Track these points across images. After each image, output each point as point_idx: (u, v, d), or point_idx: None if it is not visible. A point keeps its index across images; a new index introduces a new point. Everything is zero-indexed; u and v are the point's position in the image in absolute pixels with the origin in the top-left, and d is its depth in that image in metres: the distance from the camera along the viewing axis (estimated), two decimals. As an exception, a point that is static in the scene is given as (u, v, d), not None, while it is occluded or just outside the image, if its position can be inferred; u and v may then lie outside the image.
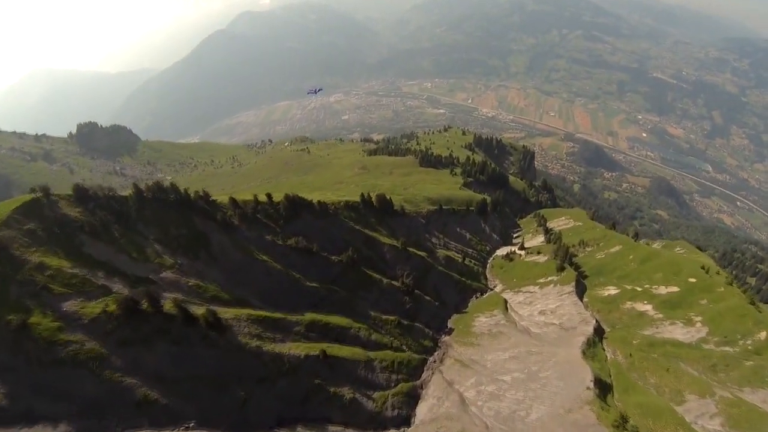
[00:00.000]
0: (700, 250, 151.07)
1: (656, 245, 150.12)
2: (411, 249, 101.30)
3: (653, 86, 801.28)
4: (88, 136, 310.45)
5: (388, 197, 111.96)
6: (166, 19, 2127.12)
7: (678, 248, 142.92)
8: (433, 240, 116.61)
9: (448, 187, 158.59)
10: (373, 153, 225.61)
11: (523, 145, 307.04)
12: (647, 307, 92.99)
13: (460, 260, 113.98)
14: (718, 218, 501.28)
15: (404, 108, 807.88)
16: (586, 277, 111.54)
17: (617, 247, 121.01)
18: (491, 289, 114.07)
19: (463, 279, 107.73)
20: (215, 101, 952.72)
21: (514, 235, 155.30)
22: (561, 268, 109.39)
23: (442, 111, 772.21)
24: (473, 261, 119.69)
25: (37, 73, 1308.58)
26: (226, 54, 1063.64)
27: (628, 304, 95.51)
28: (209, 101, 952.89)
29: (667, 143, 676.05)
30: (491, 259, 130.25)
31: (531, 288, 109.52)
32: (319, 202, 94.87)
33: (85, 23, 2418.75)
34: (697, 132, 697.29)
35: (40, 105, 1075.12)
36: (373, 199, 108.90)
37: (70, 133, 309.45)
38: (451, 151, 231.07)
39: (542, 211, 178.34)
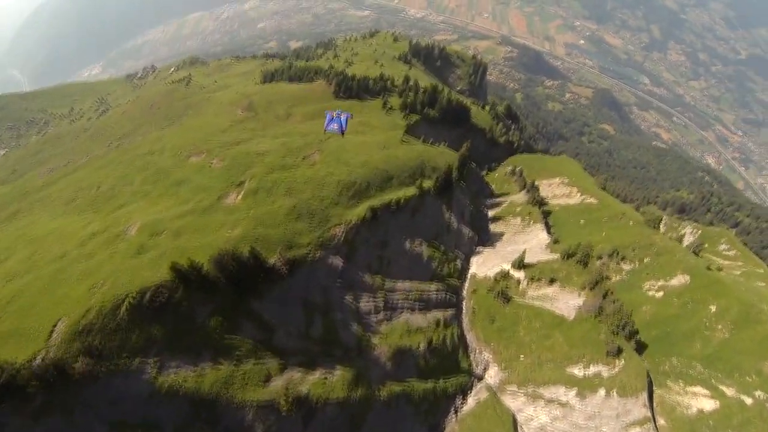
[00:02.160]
0: (745, 245, 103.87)
1: (688, 230, 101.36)
2: (312, 397, 40.24)
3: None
4: None
5: (246, 255, 46.81)
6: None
7: (723, 245, 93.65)
8: (362, 304, 55.20)
9: (381, 139, 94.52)
10: (270, 78, 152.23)
11: (473, 56, 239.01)
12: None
13: (422, 345, 54.63)
14: (656, 132, 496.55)
15: (325, 11, 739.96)
16: (641, 345, 58.87)
17: (681, 278, 66.17)
18: (479, 377, 57.81)
19: (431, 386, 50.96)
20: (118, 21, 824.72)
21: (490, 213, 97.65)
22: (616, 352, 54.61)
23: (366, 13, 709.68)
24: (443, 318, 61.14)
25: None
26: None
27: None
28: (111, 22, 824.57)
29: (605, 52, 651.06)
30: (467, 289, 71.59)
31: (559, 390, 55.32)
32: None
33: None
34: (635, 43, 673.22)
35: None
36: (208, 267, 44.82)
37: None
38: (382, 65, 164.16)
39: (520, 163, 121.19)
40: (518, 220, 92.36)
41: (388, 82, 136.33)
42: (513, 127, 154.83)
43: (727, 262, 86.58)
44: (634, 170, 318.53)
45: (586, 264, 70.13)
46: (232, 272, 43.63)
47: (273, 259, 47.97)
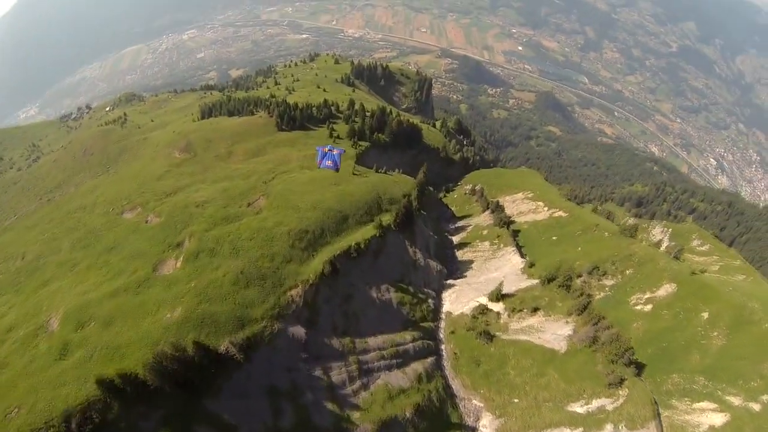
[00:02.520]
0: (717, 238, 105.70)
1: (658, 229, 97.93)
2: None
3: (526, 1, 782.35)
4: None
5: (190, 350, 38.83)
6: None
7: (695, 240, 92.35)
8: (334, 376, 48.17)
9: (331, 173, 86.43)
10: (208, 113, 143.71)
11: (417, 71, 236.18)
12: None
13: (408, 411, 48.67)
14: (600, 128, 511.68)
15: (264, 37, 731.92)
16: (639, 365, 53.91)
17: (668, 287, 62.49)
18: (472, 429, 52.62)
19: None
20: (52, 59, 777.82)
21: (455, 239, 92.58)
22: (618, 382, 50.93)
23: (305, 36, 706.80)
24: (424, 370, 55.03)
25: None
26: (57, 2, 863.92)
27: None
28: (45, 60, 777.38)
29: (543, 56, 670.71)
30: (444, 330, 65.62)
31: (563, 433, 49.07)
32: None
33: None
34: (571, 45, 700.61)
35: None
36: (144, 375, 36.46)
37: None
38: (324, 90, 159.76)
39: (478, 180, 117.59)
40: (486, 244, 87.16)
41: (333, 107, 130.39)
42: (465, 141, 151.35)
43: (702, 258, 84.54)
44: (585, 168, 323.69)
45: (568, 288, 65.30)
46: (176, 373, 35.87)
47: (224, 346, 40.46)
